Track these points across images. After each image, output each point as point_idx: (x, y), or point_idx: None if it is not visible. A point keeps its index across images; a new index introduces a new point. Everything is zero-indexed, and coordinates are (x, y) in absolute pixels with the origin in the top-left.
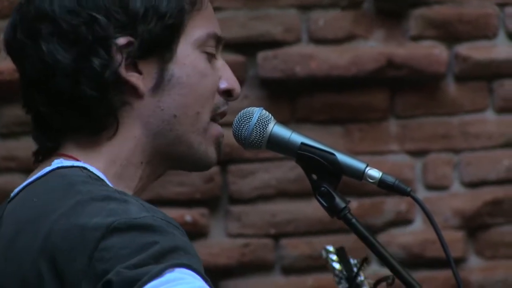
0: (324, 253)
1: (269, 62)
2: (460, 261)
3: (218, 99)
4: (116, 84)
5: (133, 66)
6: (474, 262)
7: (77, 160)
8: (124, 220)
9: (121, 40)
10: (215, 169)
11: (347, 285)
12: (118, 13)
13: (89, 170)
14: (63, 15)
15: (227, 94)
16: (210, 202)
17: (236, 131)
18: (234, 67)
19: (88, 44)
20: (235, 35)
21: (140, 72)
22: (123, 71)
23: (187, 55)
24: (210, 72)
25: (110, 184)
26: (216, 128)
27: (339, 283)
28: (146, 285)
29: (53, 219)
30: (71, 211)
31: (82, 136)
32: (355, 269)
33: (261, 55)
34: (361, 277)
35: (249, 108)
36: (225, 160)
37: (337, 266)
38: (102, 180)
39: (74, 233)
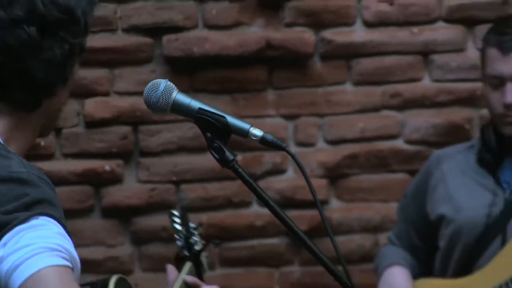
0: (170, 216)
1: (172, 44)
2: (323, 203)
3: None
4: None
5: None
6: (335, 204)
7: None
8: (6, 174)
9: (76, 40)
10: (129, 129)
11: (184, 244)
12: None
13: None
14: None
15: None
16: (125, 155)
17: (146, 98)
18: (145, 47)
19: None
20: (145, 21)
21: None
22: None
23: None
24: None
25: (1, 143)
26: None
27: (179, 240)
28: (15, 228)
29: None
30: None
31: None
32: (193, 231)
33: (165, 38)
34: (196, 238)
35: (156, 80)
36: (137, 122)
37: (178, 227)
38: None
39: None
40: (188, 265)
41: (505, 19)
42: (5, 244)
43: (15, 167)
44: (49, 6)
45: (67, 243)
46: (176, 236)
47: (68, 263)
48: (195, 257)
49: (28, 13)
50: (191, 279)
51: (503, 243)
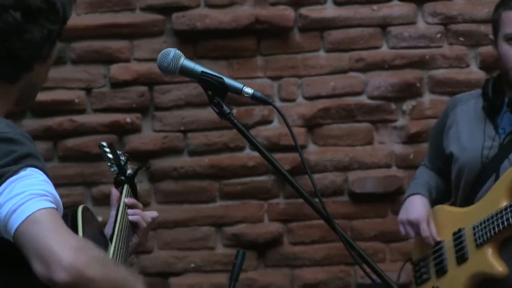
0: (100, 147)
1: (180, 20)
2: (302, 147)
3: None
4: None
5: None
6: (312, 148)
7: None
8: None
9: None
10: (145, 88)
11: (117, 169)
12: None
13: None
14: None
15: None
16: (142, 109)
17: (159, 63)
18: (157, 23)
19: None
20: (158, 2)
21: None
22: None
23: (56, 44)
24: None
25: None
26: None
27: (112, 167)
28: (8, 179)
29: None
30: None
31: None
32: (122, 158)
33: (175, 15)
34: (125, 164)
35: (167, 49)
36: (152, 82)
37: (110, 156)
38: None
39: None
40: (126, 188)
41: None
42: (1, 193)
43: (3, 128)
44: None
45: (51, 188)
46: (109, 163)
47: (54, 205)
48: (129, 181)
49: (15, 0)
50: (130, 200)
51: (496, 180)
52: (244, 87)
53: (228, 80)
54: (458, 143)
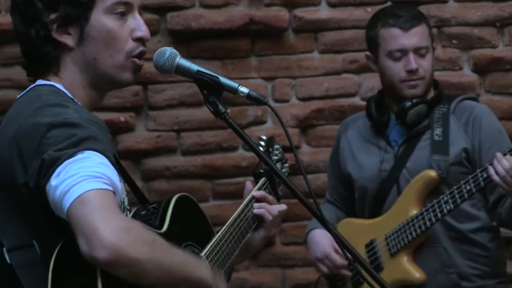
0: (259, 139)
1: (175, 19)
2: (296, 148)
3: (132, 44)
4: (52, 42)
5: (65, 30)
6: (305, 148)
7: (49, 81)
8: (61, 120)
9: (51, 16)
10: (139, 87)
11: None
12: None
13: (55, 87)
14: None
15: (141, 39)
16: (136, 109)
17: (155, 62)
18: (152, 22)
19: (30, 19)
20: (153, 1)
21: (69, 33)
22: (55, 34)
23: (97, 19)
24: (118, 27)
25: (70, 96)
26: (132, 62)
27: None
28: (65, 162)
29: (23, 116)
30: (33, 112)
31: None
32: (277, 152)
33: (169, 15)
34: (275, 157)
35: (163, 48)
36: (146, 82)
37: (262, 149)
38: (63, 93)
39: (33, 127)
40: (261, 181)
41: (391, 6)
42: (58, 175)
43: (70, 113)
44: None
45: (109, 171)
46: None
47: (109, 187)
48: (268, 173)
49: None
50: (259, 193)
51: (399, 191)
52: (240, 87)
53: (223, 79)
54: (355, 163)
